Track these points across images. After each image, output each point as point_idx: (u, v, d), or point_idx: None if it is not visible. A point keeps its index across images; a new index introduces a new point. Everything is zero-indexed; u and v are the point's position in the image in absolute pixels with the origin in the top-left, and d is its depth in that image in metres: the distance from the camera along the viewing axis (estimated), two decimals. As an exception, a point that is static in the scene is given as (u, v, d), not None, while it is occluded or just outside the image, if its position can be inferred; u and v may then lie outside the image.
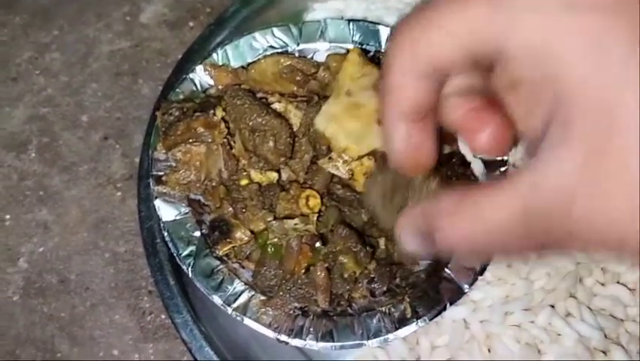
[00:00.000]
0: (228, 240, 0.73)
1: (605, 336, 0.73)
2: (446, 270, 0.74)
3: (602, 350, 0.73)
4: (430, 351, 0.75)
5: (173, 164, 0.76)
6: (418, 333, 0.74)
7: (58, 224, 0.94)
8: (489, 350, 0.74)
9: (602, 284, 0.76)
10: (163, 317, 0.86)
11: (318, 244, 0.72)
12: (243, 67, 0.84)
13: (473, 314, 0.74)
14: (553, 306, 0.74)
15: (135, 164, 0.93)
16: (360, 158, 0.75)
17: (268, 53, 0.84)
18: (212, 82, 0.83)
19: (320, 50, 0.86)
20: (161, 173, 0.76)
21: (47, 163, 0.98)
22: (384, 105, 0.44)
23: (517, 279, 0.75)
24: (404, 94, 0.42)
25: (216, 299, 0.71)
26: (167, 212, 0.75)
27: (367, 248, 0.73)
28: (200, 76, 0.83)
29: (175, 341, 0.84)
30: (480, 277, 0.73)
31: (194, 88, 0.82)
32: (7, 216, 0.94)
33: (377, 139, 0.75)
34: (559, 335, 0.73)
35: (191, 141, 0.75)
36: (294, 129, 0.78)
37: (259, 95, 0.81)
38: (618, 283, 0.76)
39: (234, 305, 0.71)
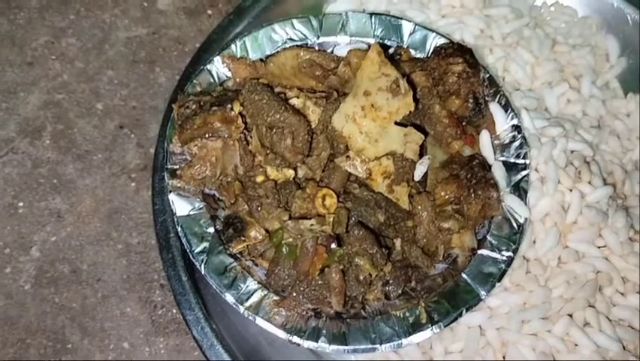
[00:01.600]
0: (242, 238, 0.72)
1: (624, 348, 0.72)
2: (463, 275, 0.72)
3: (619, 362, 0.72)
4: (443, 356, 0.74)
5: (189, 158, 0.75)
6: (432, 338, 0.73)
7: (71, 213, 0.93)
8: (504, 358, 0.72)
9: (622, 294, 0.75)
10: (174, 311, 0.86)
11: (333, 245, 0.70)
12: (261, 59, 0.82)
13: (489, 321, 0.73)
14: (571, 315, 0.72)
15: (150, 154, 0.92)
16: (377, 158, 0.74)
17: (287, 45, 0.83)
18: (229, 74, 0.81)
19: (340, 44, 0.84)
20: (176, 167, 0.75)
21: (61, 151, 0.97)
22: None
23: (536, 286, 0.73)
24: None
25: (229, 297, 0.70)
26: (181, 207, 0.74)
27: (384, 250, 0.71)
28: (218, 67, 0.81)
29: (186, 337, 0.84)
30: (498, 284, 0.72)
31: (212, 80, 0.81)
32: (21, 204, 0.94)
33: (395, 141, 0.73)
34: (576, 345, 0.71)
35: (207, 135, 0.73)
36: (312, 126, 0.76)
37: (277, 89, 0.79)
38: (639, 293, 0.75)
39: (247, 304, 0.70)
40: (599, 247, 0.75)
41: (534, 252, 0.75)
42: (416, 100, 0.75)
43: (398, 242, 0.75)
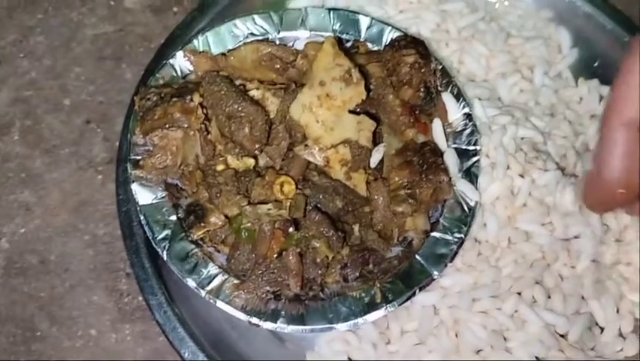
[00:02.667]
0: (203, 224, 0.74)
1: (570, 319, 0.74)
2: (417, 257, 0.75)
3: (564, 335, 0.74)
4: (399, 336, 0.76)
5: (151, 148, 0.77)
6: (389, 318, 0.76)
7: (39, 206, 0.95)
8: (456, 336, 0.75)
9: (573, 268, 0.77)
10: (140, 298, 0.87)
11: (291, 229, 0.73)
12: (223, 53, 0.85)
13: (442, 300, 0.75)
14: (520, 293, 0.75)
15: (116, 148, 0.93)
16: (334, 146, 0.77)
17: (249, 40, 0.85)
18: (192, 68, 0.84)
19: (300, 39, 0.86)
20: (138, 157, 0.77)
21: (30, 146, 0.99)
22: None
23: (486, 266, 0.76)
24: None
25: (190, 282, 0.73)
26: (143, 196, 0.76)
27: (340, 233, 0.74)
28: (181, 62, 0.84)
29: (151, 323, 0.85)
30: (450, 264, 0.74)
31: (174, 74, 0.83)
32: (-11, 198, 0.95)
33: (349, 129, 0.76)
34: (524, 322, 0.74)
35: (167, 125, 0.76)
36: (271, 116, 0.79)
37: (238, 82, 0.81)
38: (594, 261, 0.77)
39: (208, 288, 0.73)
40: (546, 224, 0.78)
41: (485, 234, 0.77)
42: (368, 89, 0.77)
43: (356, 227, 0.78)
